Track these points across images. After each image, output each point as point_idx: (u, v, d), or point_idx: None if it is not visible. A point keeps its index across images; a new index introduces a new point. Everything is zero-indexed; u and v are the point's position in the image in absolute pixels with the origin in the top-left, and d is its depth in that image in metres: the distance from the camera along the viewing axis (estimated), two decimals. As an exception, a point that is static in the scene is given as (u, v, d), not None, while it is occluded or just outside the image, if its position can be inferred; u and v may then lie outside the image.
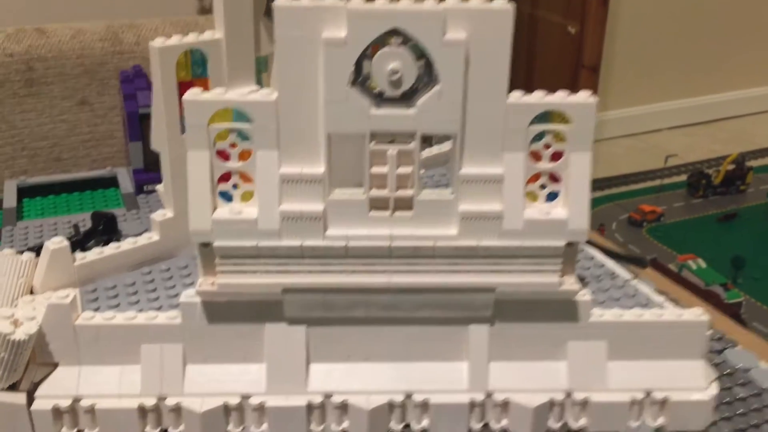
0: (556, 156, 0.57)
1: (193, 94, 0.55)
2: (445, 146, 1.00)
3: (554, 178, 0.58)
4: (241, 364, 0.61)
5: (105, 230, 0.86)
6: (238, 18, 0.74)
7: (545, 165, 0.58)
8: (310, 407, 0.60)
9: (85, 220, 0.90)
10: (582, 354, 0.61)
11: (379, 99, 0.55)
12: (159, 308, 0.70)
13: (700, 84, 3.15)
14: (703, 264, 2.00)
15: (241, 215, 0.57)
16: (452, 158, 0.58)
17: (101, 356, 0.60)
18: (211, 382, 0.60)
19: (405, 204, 0.57)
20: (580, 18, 2.75)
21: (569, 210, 0.57)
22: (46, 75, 1.28)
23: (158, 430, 0.60)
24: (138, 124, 0.97)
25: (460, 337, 0.61)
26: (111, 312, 0.61)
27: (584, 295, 0.60)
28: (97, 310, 0.68)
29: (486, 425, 0.62)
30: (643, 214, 2.38)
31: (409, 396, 0.61)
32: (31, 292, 0.67)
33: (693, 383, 0.62)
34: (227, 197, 0.58)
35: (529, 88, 0.56)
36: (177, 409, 0.59)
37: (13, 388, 0.58)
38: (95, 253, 0.73)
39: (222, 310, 0.59)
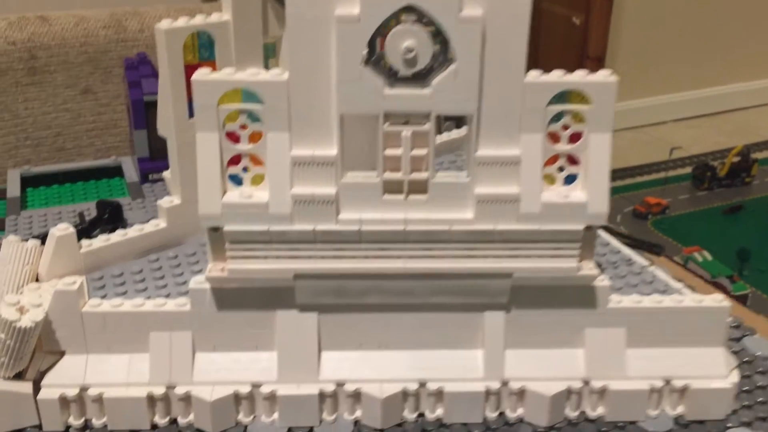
0: (575, 137, 0.56)
1: (202, 74, 0.54)
2: (454, 133, 0.98)
3: (573, 160, 0.57)
4: (252, 351, 0.60)
5: (110, 219, 0.85)
6: (245, -1, 0.72)
7: (563, 146, 0.56)
8: (322, 396, 0.59)
9: (89, 210, 0.89)
10: (600, 341, 0.60)
11: (393, 78, 0.53)
12: (167, 296, 0.68)
13: (705, 76, 3.13)
14: (708, 256, 1.99)
15: (252, 199, 0.55)
16: (468, 140, 0.56)
17: (109, 344, 0.59)
18: (221, 371, 0.59)
19: (419, 187, 0.56)
20: (584, 9, 2.74)
21: (588, 193, 0.56)
22: (49, 63, 1.26)
23: (167, 419, 0.59)
24: (143, 112, 0.96)
25: (475, 324, 0.60)
26: (119, 299, 0.60)
27: (602, 281, 0.59)
28: (104, 297, 0.67)
29: (501, 414, 0.60)
30: (648, 207, 2.36)
31: (423, 384, 0.59)
32: (37, 280, 0.66)
33: (714, 371, 0.60)
34: (237, 180, 0.56)
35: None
36: (186, 398, 0.58)
37: (19, 376, 0.57)
38: (101, 241, 0.72)
39: (232, 297, 0.58)
